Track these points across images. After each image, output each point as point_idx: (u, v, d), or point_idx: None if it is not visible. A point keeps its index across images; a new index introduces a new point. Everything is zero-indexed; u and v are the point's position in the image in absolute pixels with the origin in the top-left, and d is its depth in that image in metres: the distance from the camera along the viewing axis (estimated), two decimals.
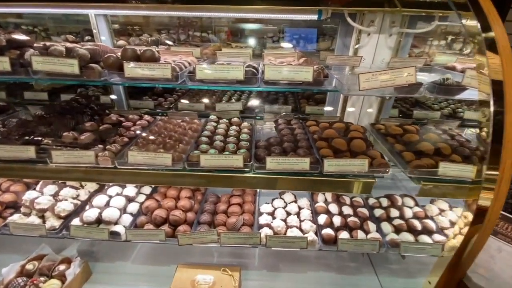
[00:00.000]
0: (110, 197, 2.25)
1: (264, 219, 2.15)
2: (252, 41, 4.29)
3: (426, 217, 2.23)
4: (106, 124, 2.19)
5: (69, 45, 1.84)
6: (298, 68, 1.65)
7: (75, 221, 2.09)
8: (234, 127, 2.38)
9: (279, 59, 2.17)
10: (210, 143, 2.10)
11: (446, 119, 2.80)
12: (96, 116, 2.42)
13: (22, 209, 2.21)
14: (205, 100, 3.09)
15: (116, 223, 2.08)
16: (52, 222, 2.07)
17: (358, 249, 1.96)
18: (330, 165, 1.77)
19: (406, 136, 2.10)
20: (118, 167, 1.85)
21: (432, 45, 3.84)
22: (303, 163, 1.79)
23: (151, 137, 2.17)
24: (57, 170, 1.86)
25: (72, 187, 2.35)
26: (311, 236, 1.98)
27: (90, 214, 2.05)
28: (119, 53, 1.82)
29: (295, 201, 2.40)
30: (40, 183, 2.39)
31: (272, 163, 1.79)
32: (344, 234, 2.01)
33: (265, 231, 2.04)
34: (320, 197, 2.44)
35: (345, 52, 2.40)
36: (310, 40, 4.24)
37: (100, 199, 2.21)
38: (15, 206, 2.26)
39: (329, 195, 2.46)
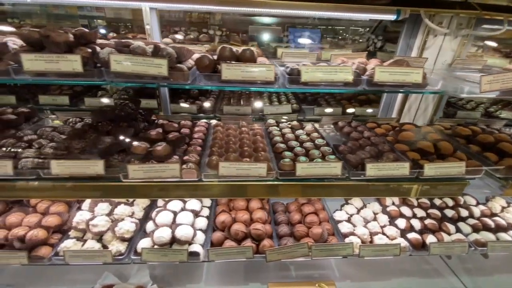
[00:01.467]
0: (175, 213, 2.01)
1: (345, 227, 2.06)
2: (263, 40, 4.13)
3: (493, 214, 2.29)
4: (174, 132, 1.95)
5: (146, 42, 1.60)
6: (409, 70, 1.58)
7: (143, 243, 1.83)
8: (300, 131, 2.26)
9: (350, 60, 2.10)
10: (288, 149, 1.96)
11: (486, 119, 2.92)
12: (146, 123, 2.17)
13: (72, 233, 1.90)
14: (243, 103, 2.93)
15: (190, 242, 1.86)
16: (117, 246, 1.79)
17: (448, 252, 1.95)
18: (430, 169, 1.73)
19: (480, 136, 2.13)
20: (204, 180, 1.66)
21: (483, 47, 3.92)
22: (402, 168, 1.73)
23: (224, 145, 1.98)
24: (130, 187, 1.62)
25: (125, 203, 2.07)
26: (402, 242, 1.92)
27: (163, 234, 1.81)
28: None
29: (365, 206, 2.34)
30: (88, 201, 2.07)
31: (372, 169, 1.71)
32: (430, 238, 1.99)
33: (353, 240, 1.95)
34: (388, 200, 2.40)
35: (408, 53, 2.39)
36: (315, 40, 4.21)
37: (164, 216, 1.96)
38: (60, 230, 1.93)
39: (395, 198, 2.44)
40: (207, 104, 2.89)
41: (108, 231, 1.87)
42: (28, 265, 1.75)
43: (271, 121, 2.46)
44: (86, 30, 1.57)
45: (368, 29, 4.21)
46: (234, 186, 1.67)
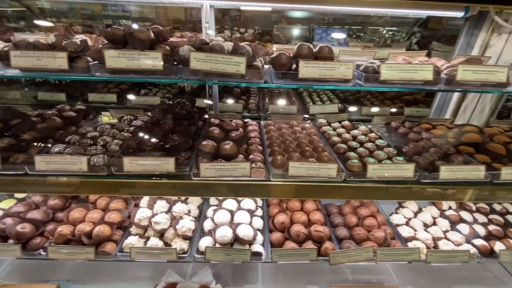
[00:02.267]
0: (231, 212, 2.00)
1: (406, 232, 1.99)
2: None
3: None
4: (236, 131, 1.94)
5: (220, 40, 1.59)
6: (495, 68, 1.51)
7: (205, 242, 1.82)
8: (356, 131, 2.20)
9: (410, 59, 2.03)
10: (350, 150, 1.92)
11: None
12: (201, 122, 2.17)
13: (134, 230, 1.91)
14: (283, 102, 2.89)
15: (251, 242, 1.84)
16: (180, 244, 1.79)
17: None
18: (508, 173, 1.65)
19: None
20: (272, 179, 1.63)
21: None
22: (478, 172, 1.66)
23: (282, 145, 1.95)
24: (200, 185, 1.61)
25: (182, 201, 2.07)
26: (471, 248, 1.85)
27: (225, 233, 1.79)
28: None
29: (421, 210, 2.26)
30: (146, 199, 2.08)
31: (446, 172, 1.64)
32: (498, 245, 1.90)
33: (417, 245, 1.88)
34: (444, 205, 2.32)
35: (468, 52, 2.30)
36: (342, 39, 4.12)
37: (222, 215, 1.95)
38: (121, 227, 1.95)
39: (452, 202, 2.35)
40: (251, 103, 2.88)
41: (169, 228, 1.88)
42: (91, 261, 1.78)
43: (322, 120, 2.42)
44: (161, 27, 1.57)
45: (395, 27, 4.12)
46: (301, 187, 1.63)
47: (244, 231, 1.82)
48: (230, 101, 2.77)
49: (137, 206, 2.10)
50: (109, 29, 1.46)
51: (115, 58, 1.40)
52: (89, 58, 1.52)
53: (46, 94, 2.78)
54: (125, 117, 2.32)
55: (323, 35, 4.45)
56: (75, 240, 1.78)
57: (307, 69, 1.47)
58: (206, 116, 2.33)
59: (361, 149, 1.89)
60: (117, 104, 2.81)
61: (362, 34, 4.53)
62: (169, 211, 1.99)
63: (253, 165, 1.60)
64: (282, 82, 1.54)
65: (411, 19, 3.97)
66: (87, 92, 2.82)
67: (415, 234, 1.98)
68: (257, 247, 1.82)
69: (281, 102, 2.88)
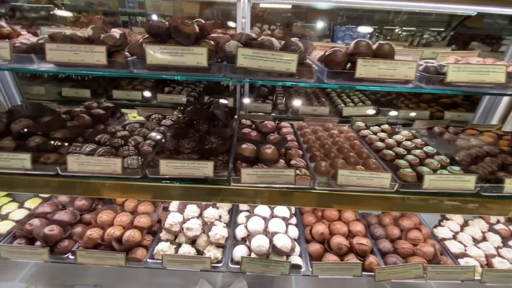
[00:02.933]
0: (265, 219, 1.88)
1: (455, 247, 1.84)
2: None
3: None
4: (272, 133, 1.82)
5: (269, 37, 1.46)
6: None
7: (239, 251, 1.71)
8: (399, 136, 2.05)
9: (463, 59, 1.86)
10: (397, 157, 1.77)
11: None
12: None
13: (164, 236, 1.81)
14: (316, 102, 2.75)
15: (289, 253, 1.72)
16: (214, 252, 1.68)
17: None
18: None
19: None
20: (317, 188, 1.50)
21: None
22: None
23: (322, 149, 1.82)
24: (237, 191, 1.49)
25: (213, 206, 1.96)
26: None
27: (262, 243, 1.67)
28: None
29: (467, 223, 2.10)
30: (175, 202, 1.98)
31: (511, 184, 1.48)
32: None
33: (469, 262, 1.73)
34: (492, 218, 2.14)
35: None
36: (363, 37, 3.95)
37: (256, 223, 1.83)
38: (150, 231, 1.86)
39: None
40: (279, 103, 2.74)
41: (202, 235, 1.77)
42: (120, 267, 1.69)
43: (360, 123, 2.27)
44: (203, 21, 1.46)
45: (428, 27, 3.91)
46: (350, 197, 1.50)
47: (282, 242, 1.70)
48: (255, 101, 2.65)
49: (165, 209, 2.02)
50: (151, 21, 1.35)
51: (157, 54, 1.30)
52: (127, 53, 1.42)
53: (70, 90, 2.72)
54: (153, 115, 2.22)
55: (343, 34, 4.29)
56: (104, 245, 1.69)
57: (365, 68, 1.33)
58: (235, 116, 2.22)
59: (410, 157, 1.74)
60: (141, 101, 2.73)
61: (388, 33, 4.35)
62: (200, 216, 1.88)
63: (297, 171, 1.48)
64: (335, 82, 1.40)
65: (444, 17, 3.77)
66: (110, 88, 2.76)
67: (466, 250, 1.82)
68: (296, 259, 1.70)
69: (311, 102, 2.73)
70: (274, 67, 1.32)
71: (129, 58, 1.37)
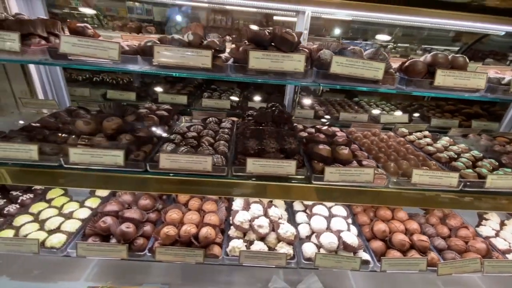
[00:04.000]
0: (326, 218, 1.97)
1: (501, 244, 1.99)
2: None
3: None
4: (332, 136, 1.94)
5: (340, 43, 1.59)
6: None
7: (309, 248, 1.79)
8: (443, 142, 2.22)
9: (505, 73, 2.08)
10: (451, 160, 1.93)
11: None
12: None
13: (234, 233, 1.87)
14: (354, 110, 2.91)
15: (356, 250, 1.81)
16: (287, 249, 1.76)
17: None
18: None
19: None
20: (390, 187, 1.63)
21: None
22: None
23: (382, 153, 1.95)
24: (316, 189, 1.59)
25: (275, 205, 2.04)
26: None
27: (332, 239, 1.76)
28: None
29: (503, 223, 2.27)
30: (239, 201, 2.05)
31: None
32: None
33: None
34: None
35: None
36: None
37: (319, 221, 1.93)
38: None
39: None
40: (318, 109, 2.89)
41: (271, 233, 1.84)
42: (183, 264, 1.73)
43: (404, 130, 2.43)
44: (292, 31, 1.59)
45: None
46: (422, 195, 1.63)
47: (351, 239, 1.80)
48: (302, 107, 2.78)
49: (229, 209, 2.08)
50: (253, 30, 1.46)
51: (259, 59, 1.40)
52: (223, 57, 1.52)
53: (115, 93, 2.75)
54: (209, 118, 2.31)
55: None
56: (180, 242, 1.73)
57: (443, 78, 1.49)
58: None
59: (463, 159, 1.90)
60: (186, 105, 2.80)
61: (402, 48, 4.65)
62: (265, 214, 1.96)
63: (375, 171, 1.60)
64: (412, 89, 1.55)
65: (459, 35, 4.10)
66: (150, 92, 2.82)
67: (510, 247, 1.98)
68: (364, 255, 1.80)
69: (347, 110, 2.90)
70: (364, 74, 1.46)
71: (227, 63, 1.48)
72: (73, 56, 1.40)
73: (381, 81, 1.49)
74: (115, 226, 1.73)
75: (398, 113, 3.09)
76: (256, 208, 1.96)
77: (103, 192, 2.19)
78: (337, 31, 4.42)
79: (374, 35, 4.49)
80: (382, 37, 4.47)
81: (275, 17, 4.37)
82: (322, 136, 1.90)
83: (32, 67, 2.26)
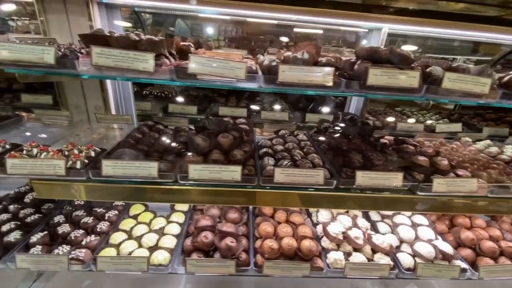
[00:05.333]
0: (412, 227, 2.01)
1: None
2: None
3: None
4: (426, 147, 2.00)
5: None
6: None
7: (405, 258, 1.82)
8: (495, 149, 2.31)
9: None
10: None
11: None
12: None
13: (327, 245, 1.88)
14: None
15: (451, 258, 1.85)
16: (386, 260, 1.78)
17: None
18: None
19: None
20: (489, 195, 1.69)
21: None
22: None
23: (467, 163, 2.02)
24: (422, 200, 1.64)
25: (362, 217, 2.07)
26: None
27: (429, 249, 1.80)
28: None
29: None
30: (324, 213, 2.07)
31: None
32: None
33: None
34: None
35: None
36: None
37: (407, 231, 1.97)
38: None
39: None
40: (372, 119, 2.97)
41: (366, 244, 1.87)
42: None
43: (467, 139, 2.52)
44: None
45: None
46: None
47: (446, 247, 1.84)
48: None
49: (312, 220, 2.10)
50: (370, 47, 1.53)
51: (377, 76, 1.47)
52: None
53: (177, 107, 2.78)
54: (281, 131, 2.35)
55: None
56: (283, 255, 1.74)
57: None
58: None
59: None
60: (246, 118, 2.84)
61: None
62: (355, 225, 1.98)
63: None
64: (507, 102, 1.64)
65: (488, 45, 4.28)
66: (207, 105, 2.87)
67: None
68: (460, 263, 1.83)
69: (397, 120, 2.99)
70: (472, 89, 1.53)
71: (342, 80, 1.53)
72: (201, 76, 1.44)
73: (486, 95, 1.57)
74: (218, 241, 1.73)
75: (441, 121, 3.20)
76: (346, 220, 1.99)
77: (183, 207, 2.19)
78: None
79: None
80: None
81: (295, 29, 4.56)
82: (411, 147, 1.96)
83: (109, 84, 2.28)
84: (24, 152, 1.58)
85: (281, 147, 1.97)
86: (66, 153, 1.61)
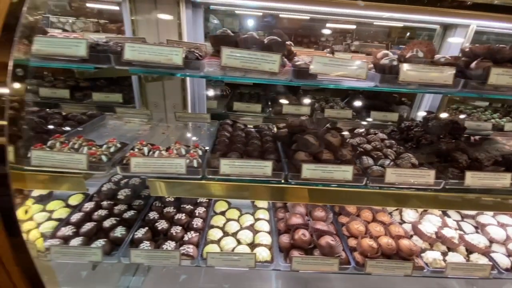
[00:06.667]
0: (501, 227, 2.00)
1: None
2: None
3: None
4: None
5: None
6: None
7: (501, 257, 1.81)
8: None
9: None
10: None
11: None
12: None
13: (420, 244, 1.89)
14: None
15: None
16: (485, 260, 1.78)
17: None
18: None
19: None
20: None
21: None
22: None
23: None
24: None
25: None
26: None
27: None
28: None
29: None
30: (412, 211, 2.07)
31: None
32: None
33: None
34: None
35: None
36: None
37: (497, 230, 1.95)
38: None
39: None
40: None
41: (461, 244, 1.87)
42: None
43: None
44: None
45: None
46: None
47: None
48: None
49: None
50: (494, 46, 1.50)
51: (498, 76, 1.44)
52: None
53: (242, 105, 2.80)
54: (357, 129, 2.34)
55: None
56: (383, 254, 1.75)
57: None
58: None
59: None
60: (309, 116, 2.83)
61: None
62: (445, 225, 1.98)
63: None
64: None
65: None
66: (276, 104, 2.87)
67: None
68: None
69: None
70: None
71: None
72: (322, 76, 1.44)
73: None
74: (316, 238, 1.76)
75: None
76: (435, 219, 1.99)
77: (264, 204, 2.22)
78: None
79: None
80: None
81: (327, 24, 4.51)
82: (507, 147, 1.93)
83: (188, 83, 2.31)
84: (136, 150, 1.63)
85: (369, 146, 1.97)
86: (175, 151, 1.65)
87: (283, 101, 2.93)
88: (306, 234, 1.79)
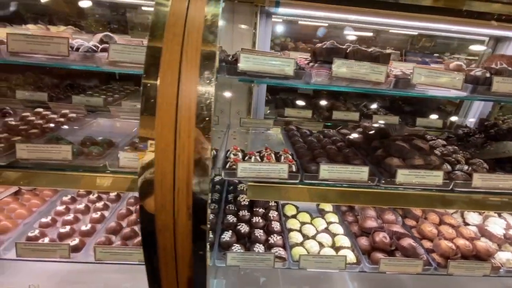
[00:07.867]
0: None
1: None
2: None
3: None
4: None
5: None
6: None
7: None
8: None
9: None
10: None
11: None
12: None
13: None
14: None
15: None
16: None
17: None
18: None
19: None
20: None
21: None
22: None
23: None
24: None
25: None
26: None
27: None
28: None
29: None
30: (475, 214, 2.17)
31: None
32: None
33: None
34: None
35: None
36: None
37: None
38: None
39: None
40: None
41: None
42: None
43: None
44: None
45: None
46: None
47: None
48: None
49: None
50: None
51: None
52: None
53: (293, 110, 2.86)
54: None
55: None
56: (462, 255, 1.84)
57: None
58: None
59: None
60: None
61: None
62: (509, 227, 2.08)
63: None
64: None
65: None
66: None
67: None
68: None
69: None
70: None
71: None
72: (420, 85, 1.53)
73: None
74: (397, 241, 1.83)
75: None
76: (499, 221, 2.09)
77: (330, 207, 2.29)
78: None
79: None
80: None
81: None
82: None
83: (255, 90, 2.38)
84: (232, 156, 1.68)
85: (437, 152, 2.07)
86: (273, 156, 1.71)
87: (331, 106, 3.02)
88: (386, 237, 1.86)
